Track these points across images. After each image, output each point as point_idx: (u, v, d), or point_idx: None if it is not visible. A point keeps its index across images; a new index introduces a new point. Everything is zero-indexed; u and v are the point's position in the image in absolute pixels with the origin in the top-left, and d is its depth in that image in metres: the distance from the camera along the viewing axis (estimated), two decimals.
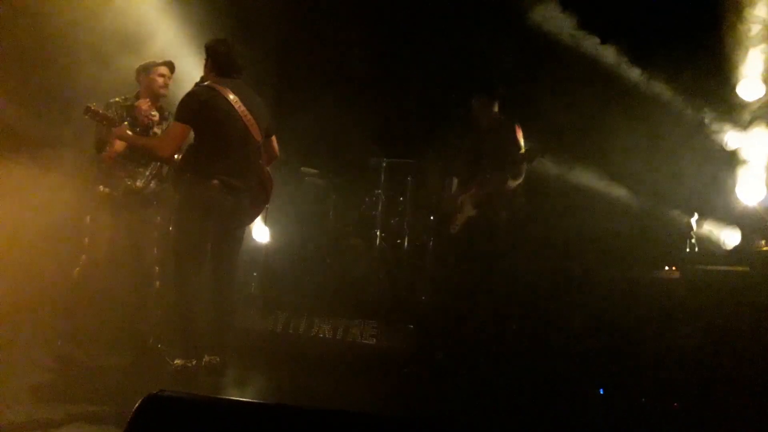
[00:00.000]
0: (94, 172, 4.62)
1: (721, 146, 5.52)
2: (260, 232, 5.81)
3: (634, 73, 5.87)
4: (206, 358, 4.06)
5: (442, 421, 3.33)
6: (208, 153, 4.00)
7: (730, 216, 5.28)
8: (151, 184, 4.69)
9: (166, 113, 4.79)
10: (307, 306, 5.91)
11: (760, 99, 5.39)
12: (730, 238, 5.21)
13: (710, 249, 5.14)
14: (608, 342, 4.60)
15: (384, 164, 7.02)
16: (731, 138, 5.49)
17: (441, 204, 5.92)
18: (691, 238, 5.03)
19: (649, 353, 4.43)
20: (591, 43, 5.93)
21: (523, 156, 4.88)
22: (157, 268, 4.71)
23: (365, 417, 1.18)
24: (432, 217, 6.83)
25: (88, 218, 4.58)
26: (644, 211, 5.63)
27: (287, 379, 4.61)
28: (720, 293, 4.58)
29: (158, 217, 4.80)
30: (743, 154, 5.42)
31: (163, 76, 4.69)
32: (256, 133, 4.14)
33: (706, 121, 5.62)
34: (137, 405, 1.30)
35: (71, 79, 5.71)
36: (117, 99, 4.66)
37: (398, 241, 7.01)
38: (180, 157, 4.21)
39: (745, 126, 5.44)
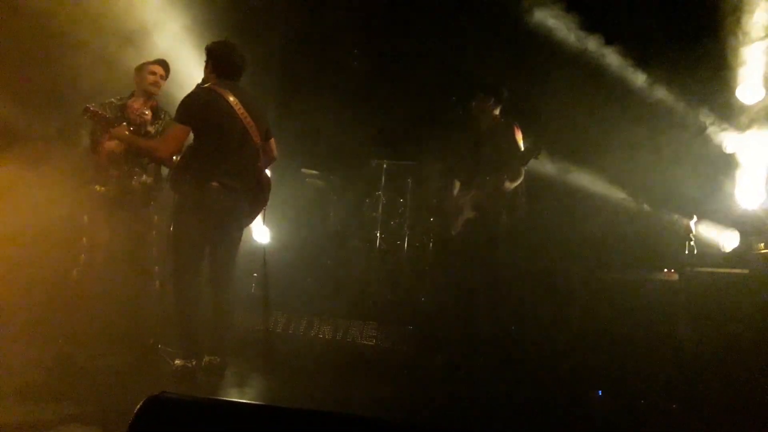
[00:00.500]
0: (91, 171, 4.62)
1: (721, 149, 5.53)
2: (260, 232, 5.81)
3: (634, 76, 5.88)
4: (206, 359, 4.08)
5: (442, 425, 3.34)
6: (208, 154, 4.01)
7: (729, 218, 5.28)
8: (148, 184, 4.69)
9: (162, 113, 4.80)
10: (306, 307, 5.93)
11: (759, 102, 5.40)
12: (729, 240, 5.21)
13: (709, 251, 5.14)
14: (607, 344, 4.61)
15: (384, 166, 7.03)
16: (730, 141, 5.50)
17: (442, 206, 5.92)
18: (690, 240, 5.03)
19: (648, 355, 4.44)
20: (592, 46, 5.94)
21: (518, 158, 4.89)
22: (156, 267, 4.71)
23: (365, 421, 1.19)
24: (432, 219, 6.84)
25: (85, 218, 4.58)
26: (643, 214, 5.64)
27: (287, 379, 4.62)
28: (719, 296, 4.59)
29: (156, 217, 4.81)
30: (742, 157, 5.43)
31: (153, 73, 4.70)
32: (255, 136, 4.16)
33: (706, 124, 5.63)
34: (138, 406, 1.30)
35: (70, 78, 5.73)
36: (112, 99, 4.68)
37: (398, 242, 7.02)
38: (179, 158, 4.21)
39: (744, 129, 5.45)
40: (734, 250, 5.13)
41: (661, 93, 5.85)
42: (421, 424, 1.34)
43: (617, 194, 5.77)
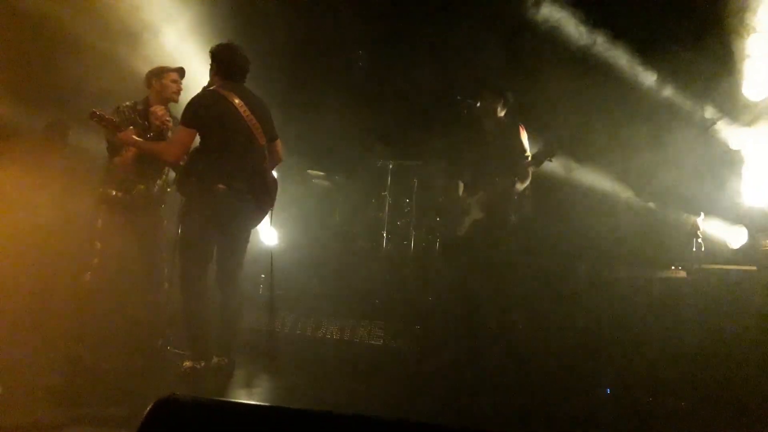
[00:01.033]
0: (106, 175, 4.63)
1: (727, 145, 5.52)
2: (268, 234, 5.83)
3: (640, 74, 5.87)
4: (215, 360, 4.09)
5: (450, 424, 3.34)
6: (214, 157, 4.03)
7: (737, 215, 5.27)
8: (161, 187, 4.72)
9: (173, 120, 4.80)
10: (314, 307, 5.94)
11: (765, 99, 5.39)
12: (736, 237, 5.20)
13: (716, 248, 5.13)
14: (615, 342, 4.61)
15: (390, 166, 7.04)
16: (736, 137, 5.48)
17: (447, 206, 5.92)
18: (698, 237, 5.03)
19: (656, 353, 4.43)
20: (596, 44, 5.93)
21: (532, 159, 4.88)
22: (165, 270, 4.72)
23: (374, 421, 1.19)
24: (438, 219, 6.84)
25: (99, 222, 4.57)
26: (650, 211, 5.63)
27: (295, 379, 4.63)
28: (726, 292, 4.58)
29: (165, 220, 4.82)
30: (749, 154, 5.41)
31: (176, 81, 4.67)
32: (261, 138, 4.17)
33: (712, 120, 5.62)
34: (149, 408, 1.30)
35: (81, 82, 5.78)
36: (127, 103, 4.65)
37: (404, 242, 7.02)
38: (185, 160, 4.23)
39: (750, 125, 5.43)
40: (742, 247, 5.12)
41: (667, 90, 5.83)
42: (429, 424, 1.34)
43: (623, 192, 5.77)
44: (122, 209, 4.54)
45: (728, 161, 5.47)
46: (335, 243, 7.11)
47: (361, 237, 7.15)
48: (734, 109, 5.51)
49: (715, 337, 4.38)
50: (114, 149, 4.55)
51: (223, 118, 4.04)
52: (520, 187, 4.97)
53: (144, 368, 4.38)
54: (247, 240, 4.34)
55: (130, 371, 4.31)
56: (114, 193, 4.54)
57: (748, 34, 5.25)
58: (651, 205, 5.51)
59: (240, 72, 4.21)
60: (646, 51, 5.85)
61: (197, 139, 4.12)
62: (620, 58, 5.89)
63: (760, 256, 4.75)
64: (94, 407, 3.48)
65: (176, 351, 4.48)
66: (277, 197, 4.38)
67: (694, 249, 5.01)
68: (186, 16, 5.98)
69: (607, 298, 4.96)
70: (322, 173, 7.32)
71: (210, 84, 4.20)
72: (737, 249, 5.13)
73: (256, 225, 4.43)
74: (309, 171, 7.25)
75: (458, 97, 5.50)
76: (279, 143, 4.44)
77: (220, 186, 3.99)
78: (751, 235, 5.10)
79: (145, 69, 4.80)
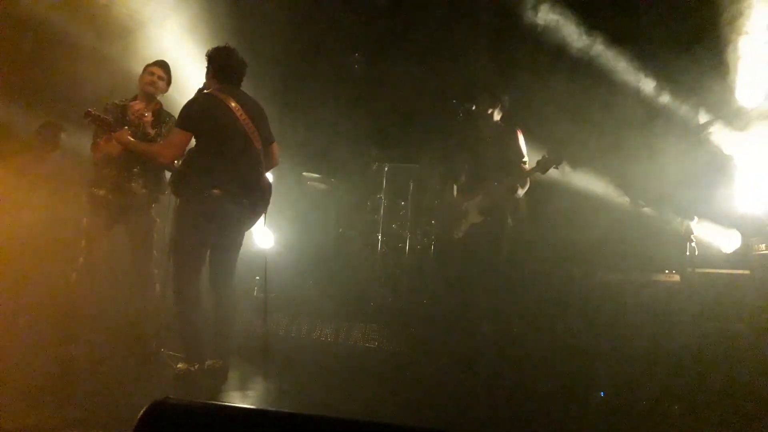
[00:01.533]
0: (94, 175, 4.63)
1: (721, 150, 5.54)
2: (262, 236, 5.82)
3: (635, 79, 5.89)
4: (209, 362, 4.08)
5: (445, 427, 3.34)
6: (209, 160, 4.02)
7: (730, 219, 5.29)
8: (148, 187, 4.70)
9: (167, 117, 4.80)
10: (309, 309, 5.94)
11: (758, 104, 5.41)
12: (729, 241, 5.21)
13: (710, 253, 5.14)
14: (609, 345, 4.62)
15: (386, 169, 7.05)
16: (730, 142, 5.50)
17: (442, 209, 5.93)
18: (691, 241, 5.05)
19: (650, 357, 4.44)
20: (592, 49, 5.95)
21: (538, 166, 4.88)
22: (156, 270, 4.71)
23: (368, 425, 1.19)
24: (433, 222, 6.85)
25: (85, 221, 4.57)
26: (644, 216, 5.64)
27: (289, 382, 4.63)
28: (720, 297, 4.60)
29: (158, 219, 4.81)
30: (742, 158, 5.44)
31: (151, 74, 4.70)
32: (257, 141, 4.17)
33: (706, 125, 5.64)
34: (142, 412, 1.30)
35: (70, 81, 5.77)
36: (116, 101, 4.69)
37: (400, 245, 7.03)
38: (180, 162, 4.23)
39: (743, 130, 5.46)
40: (735, 251, 5.13)
41: (661, 95, 5.86)
42: (424, 428, 1.35)
43: (617, 197, 5.78)
44: (109, 209, 4.53)
45: (722, 166, 5.49)
46: (330, 245, 7.12)
47: (356, 239, 7.15)
48: (728, 114, 5.54)
49: (709, 340, 4.40)
50: (97, 146, 4.56)
51: (218, 121, 4.04)
52: (521, 192, 5.00)
53: (137, 370, 4.36)
54: (240, 243, 4.34)
55: (124, 373, 4.29)
56: (100, 192, 4.54)
57: (742, 39, 5.27)
58: (646, 210, 5.53)
59: (236, 75, 4.22)
60: (640, 56, 5.87)
61: (193, 141, 4.12)
62: (614, 63, 5.91)
63: (754, 260, 4.77)
64: (87, 410, 3.45)
65: (170, 353, 4.47)
66: (271, 199, 4.39)
67: (687, 253, 5.03)
68: (182, 18, 5.98)
69: (601, 302, 4.97)
70: (317, 176, 7.33)
71: (206, 87, 4.20)
72: (731, 253, 5.15)
73: (250, 227, 4.43)
74: (304, 173, 7.25)
75: (454, 101, 5.51)
76: (275, 146, 4.44)
77: (215, 191, 3.98)
78: (744, 240, 5.12)
79: (140, 69, 4.82)
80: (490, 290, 5.06)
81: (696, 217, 5.12)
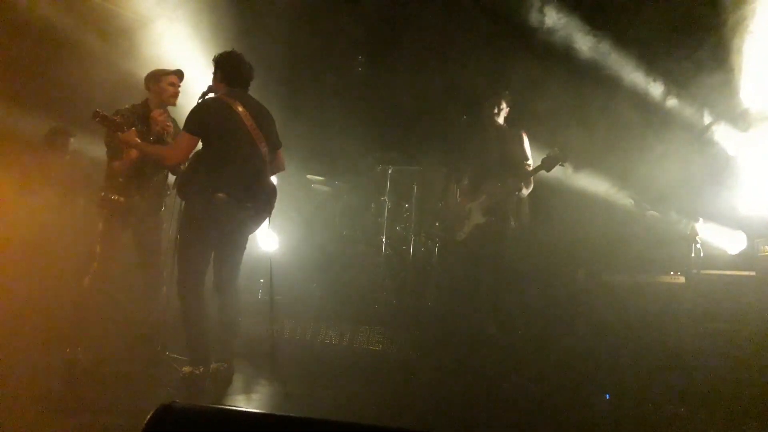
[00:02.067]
0: (107, 180, 4.63)
1: (726, 151, 5.53)
2: (267, 239, 5.83)
3: (639, 79, 5.89)
4: (214, 365, 4.10)
5: (450, 429, 3.34)
6: (215, 164, 4.04)
7: (735, 221, 5.28)
8: (158, 191, 4.71)
9: (173, 123, 4.80)
10: (313, 312, 5.94)
11: (763, 105, 5.40)
12: (735, 243, 5.20)
13: (715, 254, 5.13)
14: (614, 347, 4.61)
15: (389, 171, 7.05)
16: (736, 143, 5.50)
17: (446, 210, 5.93)
18: (696, 243, 5.04)
19: (655, 358, 4.44)
20: (596, 49, 5.95)
21: (543, 163, 4.88)
22: (162, 274, 4.72)
23: (374, 429, 1.19)
24: (437, 224, 6.85)
25: (100, 226, 4.56)
26: (649, 216, 5.63)
27: (294, 385, 4.63)
28: (725, 298, 4.59)
29: (165, 223, 4.82)
30: (748, 159, 5.43)
31: (173, 84, 4.66)
32: (263, 145, 4.19)
33: (711, 126, 5.63)
34: (149, 416, 1.29)
35: (78, 86, 5.80)
36: (126, 106, 4.66)
37: (404, 247, 7.03)
38: (187, 166, 4.24)
39: (749, 131, 5.45)
40: (740, 253, 5.12)
41: (667, 95, 5.85)
42: (428, 431, 1.35)
43: (623, 198, 5.77)
44: (123, 214, 4.54)
45: (727, 167, 5.48)
46: (334, 248, 7.12)
47: (360, 242, 7.15)
48: (732, 115, 5.53)
49: (714, 342, 4.39)
50: (113, 153, 4.54)
51: (225, 125, 4.06)
52: (525, 192, 5.00)
53: (143, 373, 4.37)
54: (245, 246, 4.35)
55: (129, 376, 4.30)
56: (115, 197, 4.53)
57: (746, 40, 5.26)
58: (651, 213, 5.51)
59: (244, 80, 4.24)
60: (645, 58, 5.87)
61: (199, 144, 4.14)
62: (619, 65, 5.91)
63: (759, 261, 4.75)
64: (93, 413, 3.47)
65: (175, 356, 4.47)
66: (276, 203, 4.39)
67: (692, 255, 5.02)
68: (188, 23, 6.00)
69: (606, 304, 4.97)
70: (321, 178, 7.33)
71: (213, 91, 4.21)
72: (736, 255, 5.14)
73: (254, 230, 4.44)
74: (308, 176, 7.26)
75: (464, 117, 5.52)
76: (282, 152, 4.46)
77: (221, 195, 3.99)
78: (750, 241, 5.11)
79: (145, 72, 4.81)
80: (495, 291, 5.06)
81: (701, 219, 5.11)
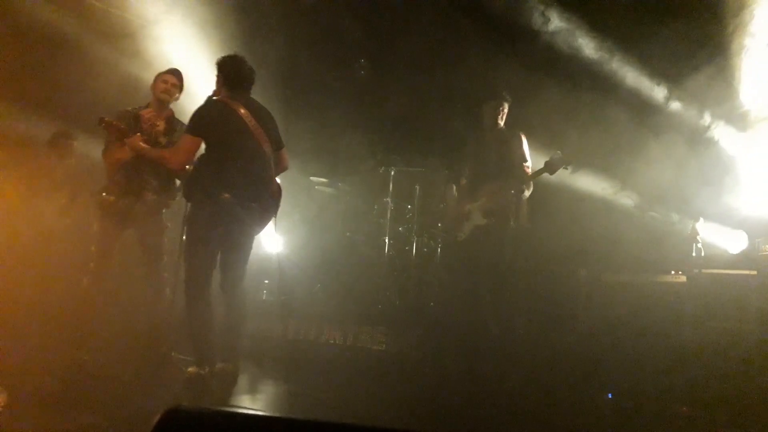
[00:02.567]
0: (106, 181, 4.67)
1: (726, 151, 5.54)
2: (271, 240, 5.86)
3: (639, 80, 5.90)
4: (219, 366, 4.13)
5: (453, 429, 3.36)
6: (220, 166, 4.07)
7: (737, 220, 5.28)
8: (159, 193, 4.73)
9: (178, 125, 4.83)
10: (317, 313, 5.97)
11: (763, 104, 5.40)
12: (736, 242, 5.21)
13: (716, 253, 5.14)
14: (615, 347, 4.62)
15: (392, 172, 7.07)
16: (735, 143, 5.50)
17: (445, 211, 5.95)
18: (697, 242, 5.05)
19: (657, 358, 4.45)
20: (597, 51, 5.96)
21: (546, 166, 4.89)
22: (167, 275, 4.75)
23: (378, 431, 1.21)
24: (439, 225, 6.88)
25: (94, 226, 4.61)
26: (650, 216, 5.65)
27: (299, 384, 4.66)
28: (727, 297, 4.60)
29: (168, 224, 4.85)
30: (748, 158, 5.43)
31: (165, 82, 4.74)
32: (267, 147, 4.23)
33: (712, 125, 5.64)
34: (157, 419, 1.31)
35: (81, 89, 5.83)
36: (128, 108, 4.74)
37: (406, 248, 7.05)
38: (192, 168, 4.28)
39: (749, 130, 5.45)
40: (742, 252, 5.13)
41: (667, 96, 5.85)
42: (432, 431, 1.38)
43: (623, 198, 5.78)
44: (117, 214, 4.57)
45: (727, 166, 5.49)
46: (338, 249, 7.14)
47: (363, 243, 7.18)
48: (733, 115, 5.53)
49: (715, 341, 4.40)
50: (108, 152, 4.60)
51: (228, 127, 4.10)
52: (526, 194, 5.02)
53: (148, 374, 4.39)
54: (250, 247, 4.38)
55: (135, 377, 4.32)
56: (110, 198, 4.57)
57: (747, 41, 5.27)
58: (652, 214, 5.52)
59: (246, 83, 4.28)
60: (645, 59, 5.87)
61: (203, 146, 4.17)
62: (619, 66, 5.92)
63: (760, 260, 4.76)
64: (98, 414, 3.47)
65: (181, 356, 4.50)
66: (280, 204, 4.42)
67: (693, 254, 5.03)
68: (191, 26, 6.03)
69: (607, 304, 4.98)
70: (324, 180, 7.36)
71: (215, 94, 4.25)
72: (737, 254, 5.14)
73: (259, 231, 4.47)
74: (311, 178, 7.28)
75: (460, 105, 5.54)
76: (285, 152, 4.49)
77: (226, 195, 4.03)
78: (751, 240, 5.11)
79: (149, 76, 4.87)
80: (496, 292, 5.08)
81: (702, 218, 5.13)
